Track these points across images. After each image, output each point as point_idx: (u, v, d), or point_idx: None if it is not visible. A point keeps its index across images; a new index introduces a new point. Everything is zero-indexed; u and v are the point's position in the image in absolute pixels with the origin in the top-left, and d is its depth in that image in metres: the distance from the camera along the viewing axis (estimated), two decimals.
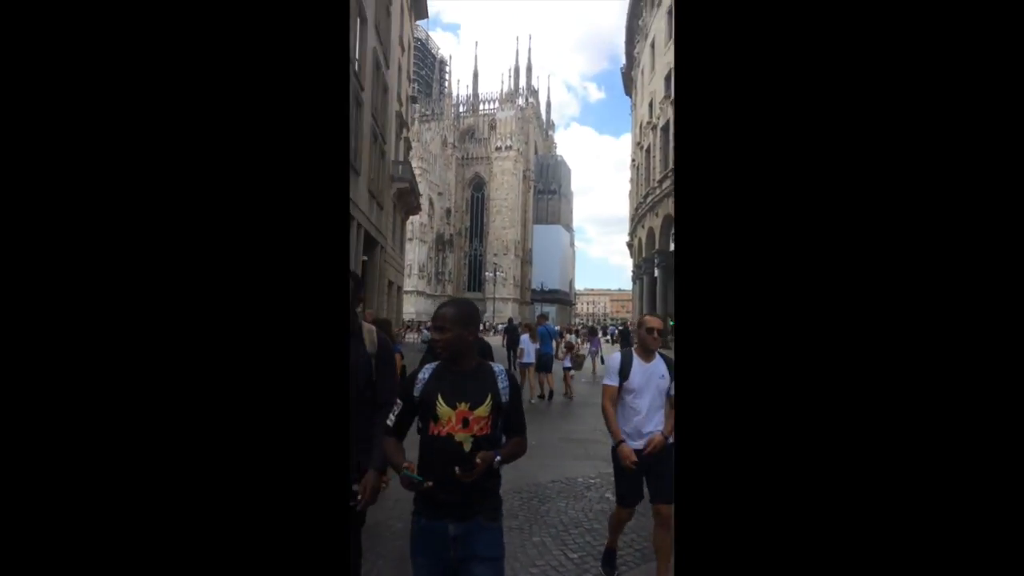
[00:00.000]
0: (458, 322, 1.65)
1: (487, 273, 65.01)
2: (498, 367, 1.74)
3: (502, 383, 1.68)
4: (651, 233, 25.97)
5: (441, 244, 67.56)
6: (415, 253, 55.99)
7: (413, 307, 51.66)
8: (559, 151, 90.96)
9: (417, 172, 34.09)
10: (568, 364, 10.27)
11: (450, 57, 76.66)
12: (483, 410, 1.61)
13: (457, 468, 1.51)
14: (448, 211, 69.73)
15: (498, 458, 1.59)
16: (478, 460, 1.53)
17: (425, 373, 1.69)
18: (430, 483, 1.52)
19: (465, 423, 1.59)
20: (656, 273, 25.13)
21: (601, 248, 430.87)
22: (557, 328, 13.64)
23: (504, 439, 1.69)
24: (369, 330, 2.11)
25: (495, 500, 1.69)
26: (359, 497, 1.92)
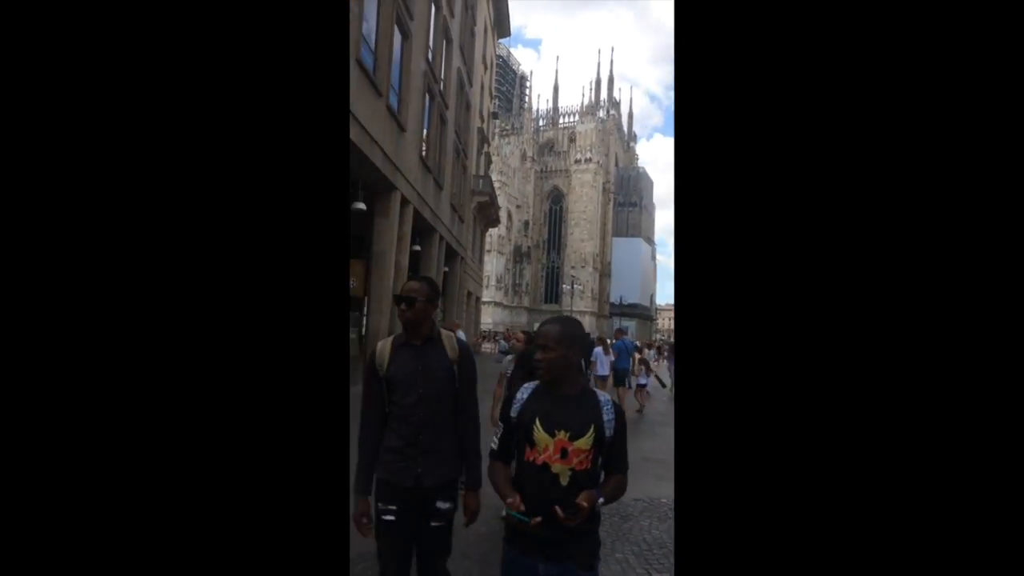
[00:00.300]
0: (563, 341, 1.53)
1: (564, 286, 64.88)
2: (603, 396, 1.58)
3: (607, 415, 1.52)
4: None
5: (519, 256, 68.35)
6: (493, 265, 57.03)
7: (490, 317, 52.66)
8: (641, 163, 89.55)
9: (496, 185, 34.87)
10: (643, 381, 10.12)
11: (531, 72, 78.03)
12: (584, 442, 1.47)
13: (559, 509, 1.37)
14: (526, 223, 70.52)
15: (601, 499, 1.45)
16: (584, 503, 1.39)
17: (524, 393, 1.58)
18: (538, 519, 1.39)
19: (564, 454, 1.46)
20: None
21: None
22: (636, 343, 13.34)
23: (603, 476, 1.53)
24: (448, 336, 1.99)
25: (592, 543, 1.54)
26: (463, 515, 1.88)
